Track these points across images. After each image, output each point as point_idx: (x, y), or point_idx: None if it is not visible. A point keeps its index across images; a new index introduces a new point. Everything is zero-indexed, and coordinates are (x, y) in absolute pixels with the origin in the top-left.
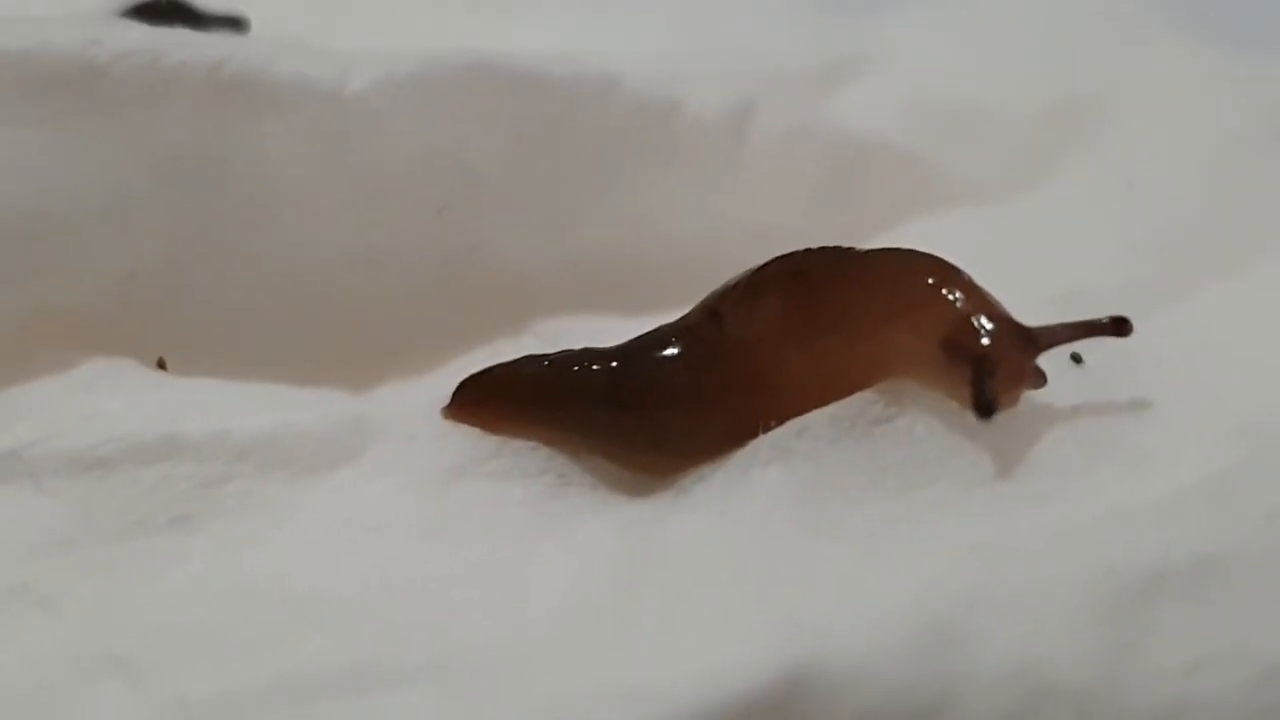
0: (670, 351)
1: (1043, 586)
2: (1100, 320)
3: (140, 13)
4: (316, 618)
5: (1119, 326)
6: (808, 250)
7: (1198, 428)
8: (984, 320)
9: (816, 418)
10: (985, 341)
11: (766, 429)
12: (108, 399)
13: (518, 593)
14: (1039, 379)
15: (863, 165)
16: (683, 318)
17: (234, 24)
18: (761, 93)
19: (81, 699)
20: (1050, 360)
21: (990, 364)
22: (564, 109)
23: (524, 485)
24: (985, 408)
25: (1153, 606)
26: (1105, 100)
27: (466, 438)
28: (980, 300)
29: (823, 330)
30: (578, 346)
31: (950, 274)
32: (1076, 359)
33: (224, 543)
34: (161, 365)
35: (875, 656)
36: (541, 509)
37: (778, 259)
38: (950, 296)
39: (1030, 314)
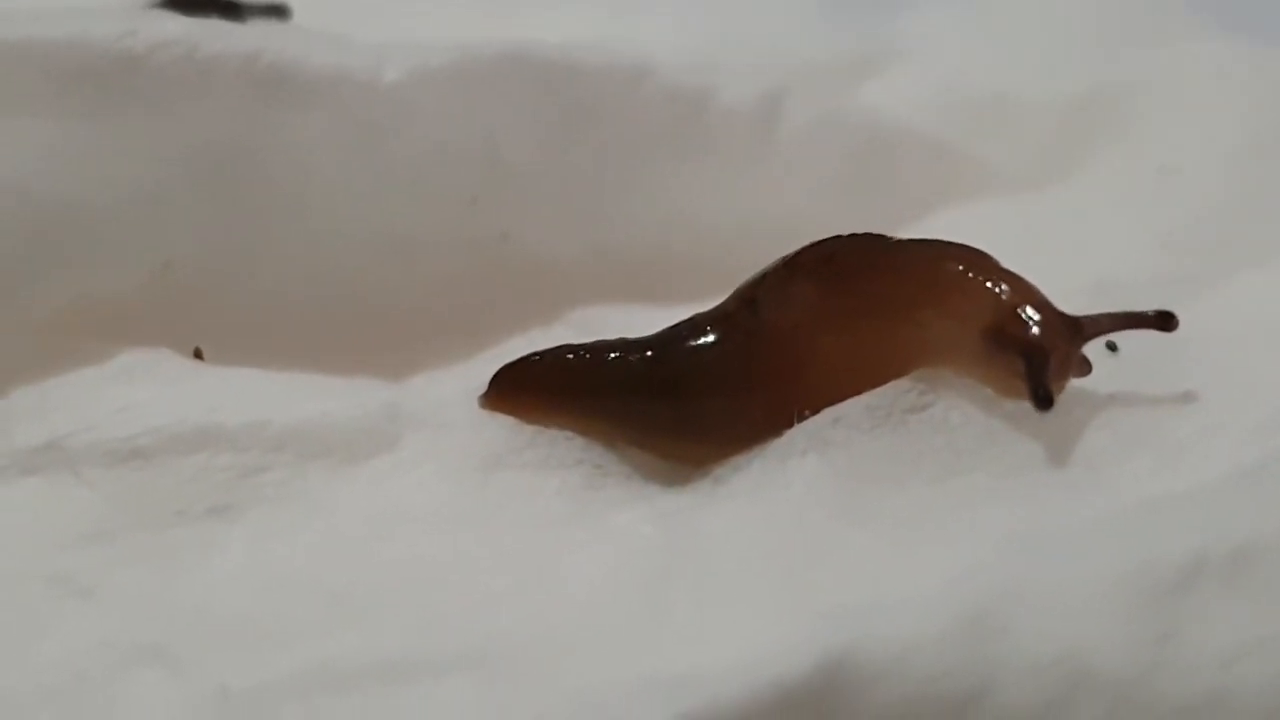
0: (706, 340)
1: (1080, 575)
2: (1146, 313)
3: (176, 4)
4: (354, 607)
5: (1164, 321)
6: (842, 236)
7: (1234, 417)
8: (1031, 310)
9: (852, 406)
10: (1035, 331)
11: (802, 417)
12: (144, 389)
13: (554, 582)
14: (1085, 367)
15: (892, 155)
16: (718, 306)
17: (277, 11)
18: (792, 82)
19: (122, 688)
20: (1086, 349)
21: (1043, 353)
22: (596, 99)
23: (560, 475)
24: (1045, 398)
25: (1190, 596)
26: (1136, 90)
27: (502, 427)
28: (1025, 289)
29: (858, 316)
30: (611, 335)
31: (988, 263)
32: (1112, 347)
33: (262, 532)
34: (198, 355)
35: (913, 644)
36: (577, 498)
37: (812, 245)
38: (991, 285)
39: (1062, 303)
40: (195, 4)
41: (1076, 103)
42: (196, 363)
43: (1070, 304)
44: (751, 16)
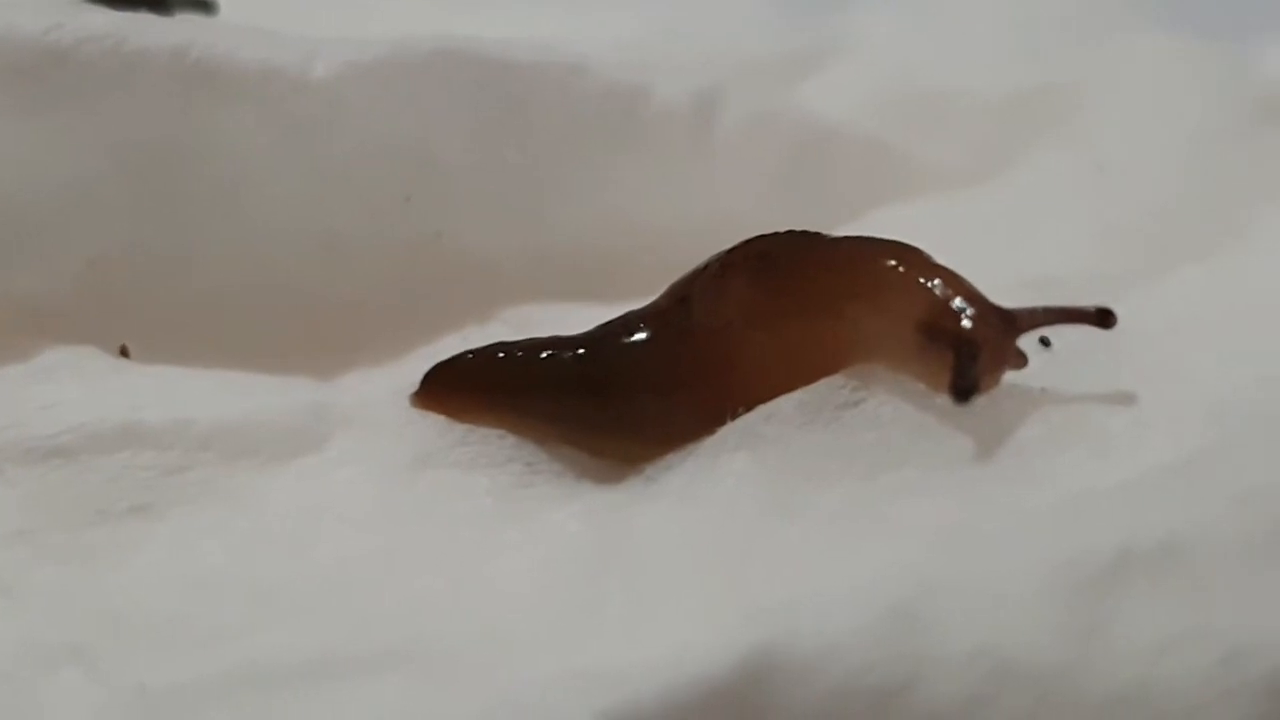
0: (638, 337)
1: (1008, 569)
2: (1085, 309)
3: None
4: (279, 606)
5: (1103, 318)
6: (774, 234)
7: (1166, 411)
8: (963, 302)
9: (784, 403)
10: (966, 324)
11: (735, 414)
12: (69, 387)
13: (483, 581)
14: (1020, 360)
15: (832, 152)
16: (651, 303)
17: (202, 6)
18: (730, 80)
19: (39, 688)
20: (1019, 343)
21: (974, 346)
22: (530, 95)
23: (490, 474)
24: (965, 391)
25: (1118, 589)
26: (1076, 86)
27: (433, 426)
28: (956, 283)
29: (789, 313)
30: (546, 333)
31: (920, 258)
32: (1045, 342)
33: (185, 531)
34: (124, 353)
35: (840, 639)
36: (508, 497)
37: (745, 243)
38: (923, 280)
39: (1002, 299)
40: None
41: (1016, 99)
42: (122, 360)
43: (1008, 300)
44: (693, 12)
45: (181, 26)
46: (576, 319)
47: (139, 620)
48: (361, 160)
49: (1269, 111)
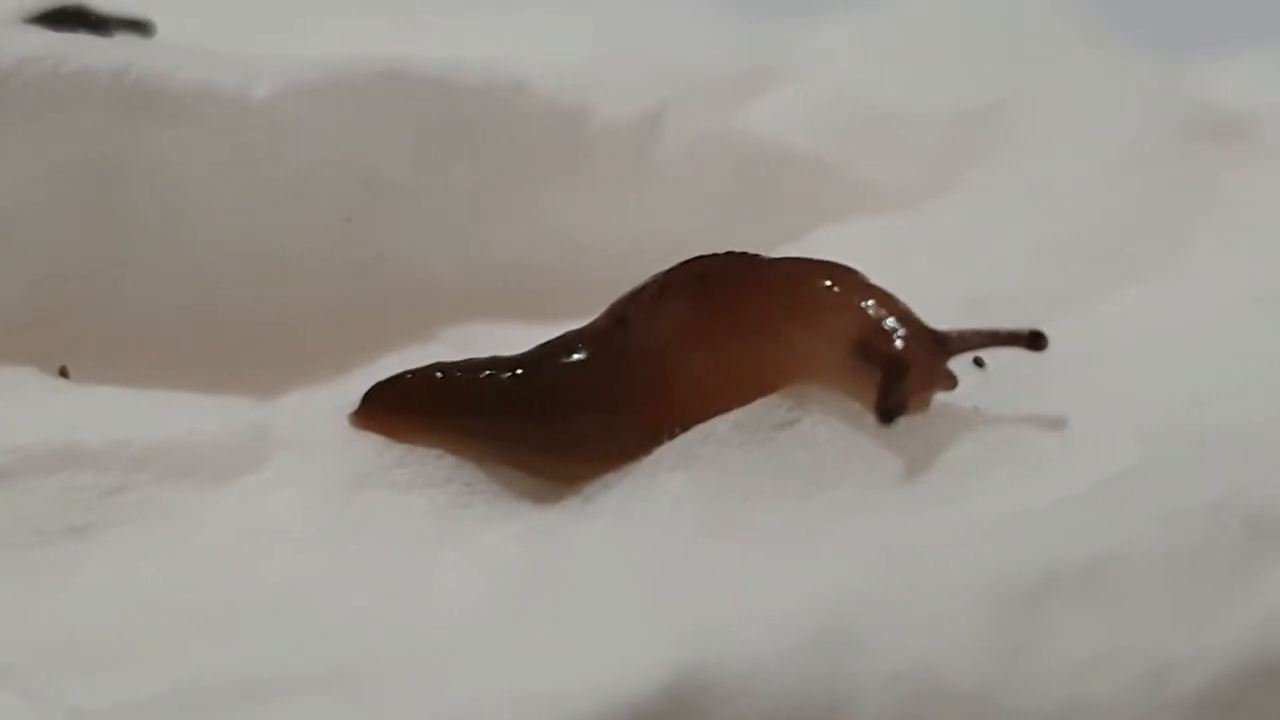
0: (576, 357)
1: (937, 589)
2: (1017, 331)
3: (46, 20)
4: (216, 627)
5: (1034, 340)
6: (713, 255)
7: (1098, 431)
8: (895, 323)
9: (720, 423)
10: (898, 344)
11: (672, 434)
12: (6, 408)
13: (419, 602)
14: (950, 382)
15: (775, 173)
16: (590, 324)
17: (139, 27)
18: (674, 100)
19: None
20: (952, 362)
21: (902, 366)
22: (472, 116)
23: (428, 495)
24: (888, 413)
25: (1046, 608)
26: (1017, 105)
27: (372, 446)
28: (889, 303)
29: (728, 334)
30: (488, 353)
31: (853, 279)
32: (979, 363)
33: (123, 552)
34: (63, 373)
35: (768, 660)
36: (446, 517)
37: (684, 263)
38: (856, 300)
39: (941, 320)
40: (64, 20)
41: (960, 119)
42: (61, 381)
43: (949, 320)
44: (639, 31)
45: (121, 47)
46: (519, 339)
47: (74, 642)
48: (303, 180)
49: (1208, 131)
